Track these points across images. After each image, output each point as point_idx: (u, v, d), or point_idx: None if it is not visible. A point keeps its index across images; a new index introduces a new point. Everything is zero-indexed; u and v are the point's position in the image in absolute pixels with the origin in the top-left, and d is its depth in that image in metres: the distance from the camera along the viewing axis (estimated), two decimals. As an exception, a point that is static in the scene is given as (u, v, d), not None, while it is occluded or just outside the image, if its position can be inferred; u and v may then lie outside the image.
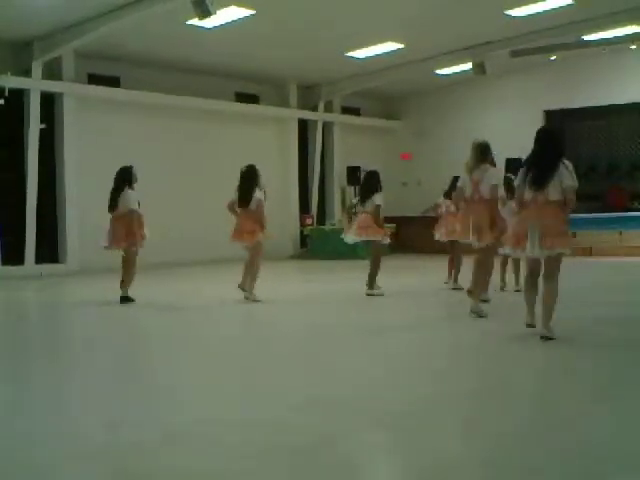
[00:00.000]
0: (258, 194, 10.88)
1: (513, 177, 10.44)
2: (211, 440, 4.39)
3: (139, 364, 7.08)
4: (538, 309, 7.46)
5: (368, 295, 11.42)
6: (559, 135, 7.68)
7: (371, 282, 11.53)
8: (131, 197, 10.88)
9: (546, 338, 7.23)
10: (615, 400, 5.20)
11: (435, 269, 14.19)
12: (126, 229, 10.83)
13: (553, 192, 7.22)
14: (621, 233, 18.67)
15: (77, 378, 6.42)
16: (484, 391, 5.55)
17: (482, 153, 9.14)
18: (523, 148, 9.85)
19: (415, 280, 14.33)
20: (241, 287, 10.96)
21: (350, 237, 11.67)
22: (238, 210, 11.01)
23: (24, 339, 8.73)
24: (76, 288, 14.50)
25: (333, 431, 4.54)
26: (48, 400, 5.61)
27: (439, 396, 5.34)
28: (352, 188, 22.10)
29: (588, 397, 5.32)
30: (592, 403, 5.13)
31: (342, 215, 21.53)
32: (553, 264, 7.33)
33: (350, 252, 18.71)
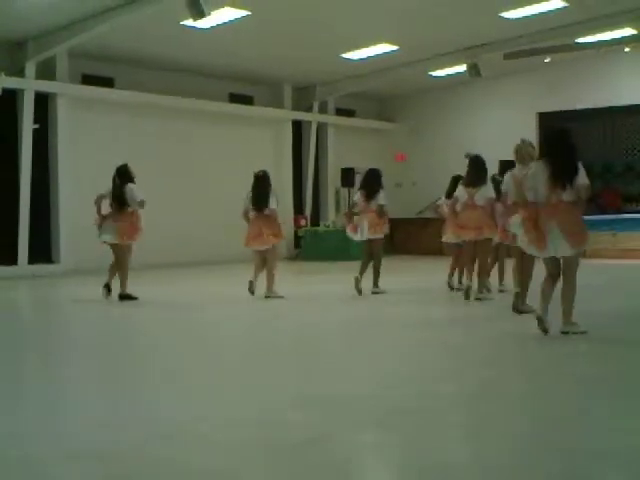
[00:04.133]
0: (273, 203, 11.05)
1: (501, 178, 10.47)
2: (208, 438, 4.37)
3: (136, 363, 7.03)
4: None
5: (374, 294, 11.49)
6: (572, 136, 7.66)
7: (376, 280, 11.61)
8: (136, 192, 11.04)
9: (568, 333, 7.29)
10: (617, 399, 5.20)
11: (431, 270, 14.20)
12: (130, 224, 11.04)
13: (568, 192, 7.27)
14: (615, 235, 18.69)
15: (71, 377, 6.39)
16: (486, 391, 5.51)
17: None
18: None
19: (416, 280, 14.32)
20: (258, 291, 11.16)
21: (360, 236, 11.68)
22: (252, 214, 11.15)
23: (18, 339, 8.68)
24: (70, 288, 14.46)
25: (332, 430, 4.52)
26: (41, 399, 5.58)
27: (441, 396, 5.31)
28: (347, 189, 22.14)
29: (589, 395, 5.31)
30: (592, 402, 5.12)
31: (340, 215, 21.58)
32: (572, 261, 7.37)
33: (344, 253, 18.75)
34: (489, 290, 10.82)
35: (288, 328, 9.08)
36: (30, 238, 16.28)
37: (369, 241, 11.65)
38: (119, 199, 11.11)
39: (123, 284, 11.11)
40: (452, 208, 11.02)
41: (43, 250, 16.82)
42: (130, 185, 11.07)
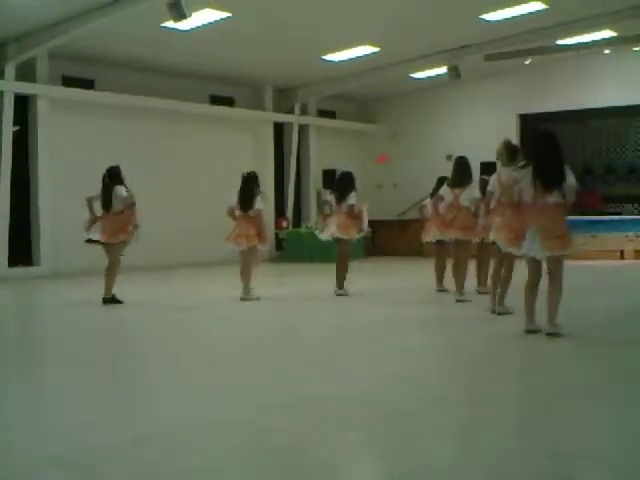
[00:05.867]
0: (258, 204, 11.14)
1: (488, 178, 10.52)
2: (191, 441, 4.36)
3: (120, 366, 7.01)
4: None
5: (338, 295, 11.54)
6: (558, 137, 7.65)
7: (341, 282, 11.62)
8: (123, 193, 10.99)
9: (552, 335, 7.30)
10: (614, 399, 5.23)
11: (414, 271, 14.19)
12: (122, 224, 10.94)
13: (554, 195, 7.28)
14: (595, 236, 18.79)
15: (59, 380, 6.37)
16: (484, 392, 5.53)
17: (514, 153, 8.93)
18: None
19: (399, 280, 14.33)
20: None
21: (326, 235, 11.72)
22: (238, 214, 11.21)
23: (8, 343, 8.63)
24: (52, 290, 14.40)
25: (318, 433, 4.53)
26: (24, 403, 5.55)
27: (438, 396, 5.34)
28: (328, 191, 22.08)
29: (586, 396, 5.34)
30: (590, 402, 5.15)
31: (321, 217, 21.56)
32: (556, 265, 7.38)
33: (326, 255, 18.74)
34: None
35: (277, 330, 9.14)
36: (10, 241, 16.17)
37: (337, 242, 11.70)
38: (108, 200, 11.02)
39: (109, 287, 11.00)
40: (435, 206, 11.05)
41: (23, 253, 16.70)
42: (118, 187, 10.97)
